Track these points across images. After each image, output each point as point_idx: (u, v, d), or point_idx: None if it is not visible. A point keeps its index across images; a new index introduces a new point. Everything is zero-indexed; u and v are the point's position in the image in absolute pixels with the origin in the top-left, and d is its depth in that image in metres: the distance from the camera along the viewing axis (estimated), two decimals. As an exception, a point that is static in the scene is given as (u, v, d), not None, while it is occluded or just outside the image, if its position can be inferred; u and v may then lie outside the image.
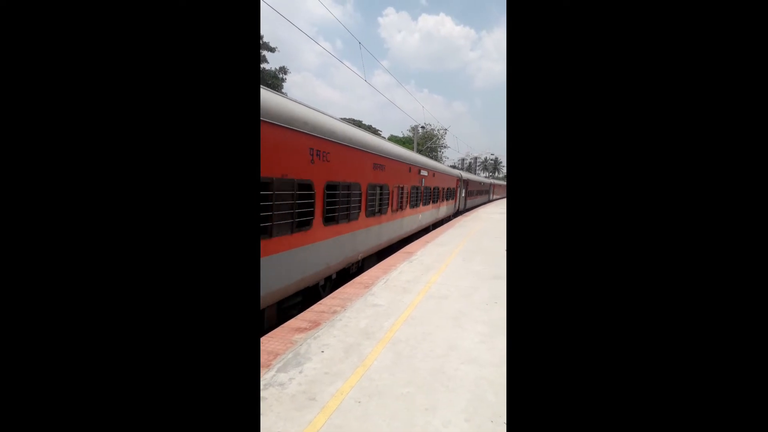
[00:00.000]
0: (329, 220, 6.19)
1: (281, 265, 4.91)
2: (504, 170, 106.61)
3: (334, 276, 6.91)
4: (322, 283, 6.42)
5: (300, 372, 3.46)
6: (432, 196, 15.38)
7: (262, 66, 37.74)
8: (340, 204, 6.57)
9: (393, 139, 48.36)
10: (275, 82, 37.83)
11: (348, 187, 6.85)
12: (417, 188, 12.62)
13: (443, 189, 17.98)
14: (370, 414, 2.89)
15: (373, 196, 8.39)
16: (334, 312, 5.06)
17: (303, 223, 5.37)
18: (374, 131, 49.38)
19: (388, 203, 9.54)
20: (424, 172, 13.33)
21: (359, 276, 7.09)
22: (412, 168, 11.89)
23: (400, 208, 10.74)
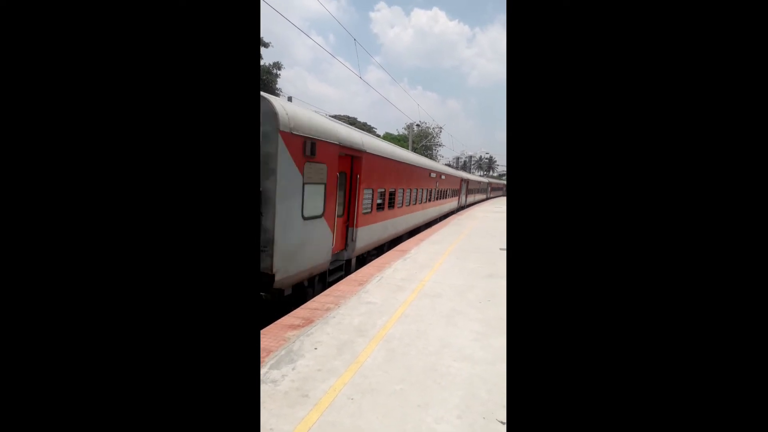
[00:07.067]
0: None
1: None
2: (499, 169, 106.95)
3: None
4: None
5: (293, 369, 3.44)
6: None
7: (256, 61, 37.36)
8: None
9: (388, 136, 48.16)
10: (269, 77, 37.58)
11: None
12: None
13: None
14: (363, 411, 2.88)
15: None
16: (328, 309, 5.05)
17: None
18: (368, 129, 49.18)
19: None
20: None
21: (353, 273, 7.08)
22: None
23: None
